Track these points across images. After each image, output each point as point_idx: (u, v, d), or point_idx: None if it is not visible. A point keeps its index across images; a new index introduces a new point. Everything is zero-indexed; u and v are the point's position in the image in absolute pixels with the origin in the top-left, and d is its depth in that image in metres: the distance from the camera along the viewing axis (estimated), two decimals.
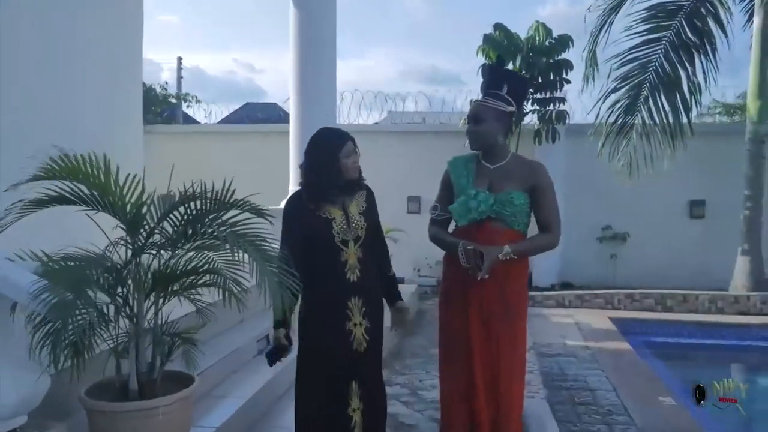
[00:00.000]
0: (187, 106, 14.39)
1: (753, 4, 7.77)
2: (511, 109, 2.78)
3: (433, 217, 2.92)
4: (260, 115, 14.12)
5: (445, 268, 2.92)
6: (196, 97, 14.19)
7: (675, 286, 8.24)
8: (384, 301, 2.79)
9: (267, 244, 2.55)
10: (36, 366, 2.24)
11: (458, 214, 2.76)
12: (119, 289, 2.53)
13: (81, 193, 2.37)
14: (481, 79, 3.00)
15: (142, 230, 2.52)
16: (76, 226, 2.55)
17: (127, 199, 2.43)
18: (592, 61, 8.12)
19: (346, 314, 2.62)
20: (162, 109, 13.10)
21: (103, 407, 2.45)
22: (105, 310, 2.50)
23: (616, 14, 7.95)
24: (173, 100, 14.05)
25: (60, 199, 2.37)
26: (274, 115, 16.16)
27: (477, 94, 3.09)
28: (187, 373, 2.74)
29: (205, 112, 16.03)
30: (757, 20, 7.48)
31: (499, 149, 2.80)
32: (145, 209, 2.49)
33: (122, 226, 2.50)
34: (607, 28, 7.94)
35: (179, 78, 22.84)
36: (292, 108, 7.08)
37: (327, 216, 2.62)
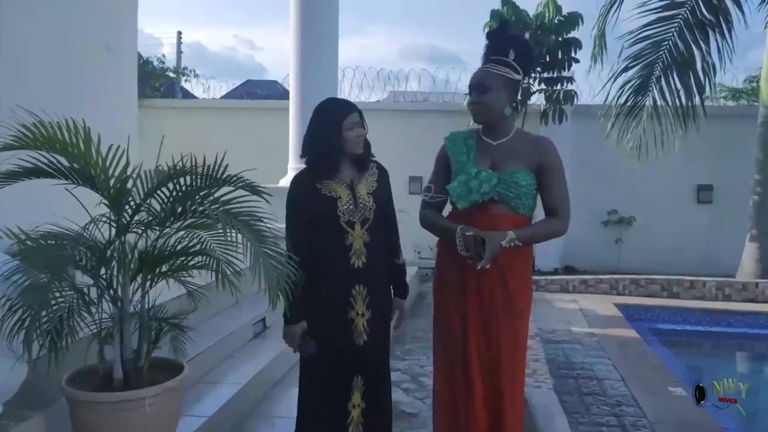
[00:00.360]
0: (185, 80, 14.09)
1: None
2: (518, 77, 2.47)
3: (426, 200, 2.60)
4: (260, 92, 13.84)
5: (439, 256, 2.64)
6: (195, 71, 13.90)
7: (680, 271, 8.10)
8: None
9: (262, 223, 2.38)
10: (10, 353, 2.06)
11: (457, 196, 2.44)
12: (103, 271, 2.34)
13: (60, 165, 2.17)
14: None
15: (127, 207, 2.32)
16: (58, 202, 2.36)
17: (110, 173, 2.23)
18: (600, 40, 7.86)
19: (349, 302, 2.43)
20: (160, 83, 12.81)
21: (85, 397, 2.28)
22: (87, 293, 2.33)
23: None
24: (172, 74, 13.75)
25: (36, 172, 2.17)
26: (274, 92, 15.90)
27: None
28: (173, 360, 2.56)
29: (203, 87, 15.74)
30: None
31: (504, 124, 2.50)
32: (130, 184, 2.29)
33: (105, 202, 2.30)
34: (618, 6, 7.67)
35: (179, 52, 22.52)
36: (292, 84, 6.86)
37: (332, 195, 2.42)
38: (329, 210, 2.40)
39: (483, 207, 2.42)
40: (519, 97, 2.59)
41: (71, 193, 2.24)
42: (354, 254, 2.41)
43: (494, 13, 8.46)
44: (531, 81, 8.51)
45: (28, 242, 2.11)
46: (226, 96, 13.39)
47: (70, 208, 2.25)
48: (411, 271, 7.11)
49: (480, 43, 2.96)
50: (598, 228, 9.26)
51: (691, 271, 8.10)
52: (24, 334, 1.89)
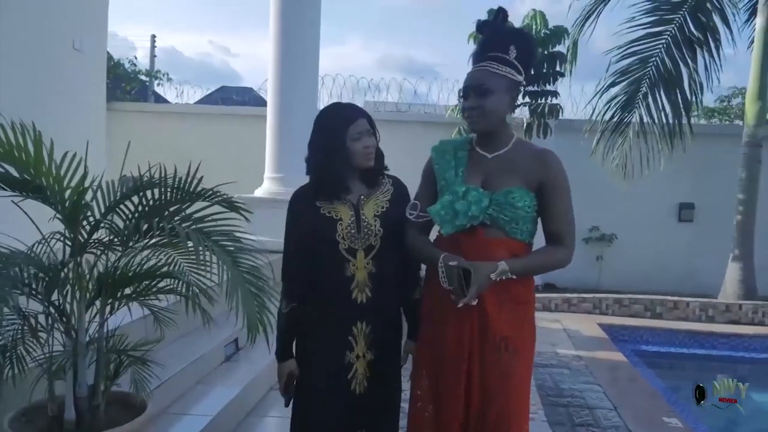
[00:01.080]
0: (158, 84, 13.69)
1: (755, 3, 7.47)
2: (521, 79, 2.10)
3: (411, 219, 2.15)
4: (236, 97, 13.50)
5: (428, 283, 2.20)
6: (168, 74, 13.49)
7: (661, 289, 8.00)
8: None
9: (240, 243, 2.11)
10: None
11: (441, 220, 2.04)
12: (55, 295, 2.05)
13: (5, 174, 1.87)
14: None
15: (84, 223, 2.03)
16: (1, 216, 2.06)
17: (65, 184, 1.93)
18: (573, 49, 7.78)
19: (348, 342, 2.09)
20: (131, 87, 12.39)
21: None
22: (36, 320, 2.03)
23: (606, 4, 7.60)
24: (144, 77, 13.34)
25: None
26: (250, 99, 15.56)
27: (458, 85, 2.46)
28: (135, 395, 2.27)
29: (177, 92, 15.33)
30: (760, 20, 7.17)
31: (502, 133, 2.13)
32: (89, 196, 2.00)
33: (59, 216, 2.01)
34: (595, 18, 7.58)
35: (152, 56, 22.09)
36: (270, 89, 6.58)
37: (332, 215, 2.08)
38: (327, 233, 2.06)
39: (472, 232, 2.03)
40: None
41: (18, 206, 1.93)
42: (356, 287, 2.07)
43: (480, 24, 8.30)
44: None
45: None
46: (200, 102, 13.02)
47: (16, 224, 1.94)
48: None
49: (456, 57, 2.67)
50: (580, 245, 9.07)
51: (672, 289, 7.99)
52: None
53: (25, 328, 1.99)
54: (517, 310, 2.07)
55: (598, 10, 7.67)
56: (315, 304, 2.12)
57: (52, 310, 2.01)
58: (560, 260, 2.12)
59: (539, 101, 8.37)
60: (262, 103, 13.06)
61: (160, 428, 2.89)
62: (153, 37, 22.55)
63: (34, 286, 2.00)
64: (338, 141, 2.06)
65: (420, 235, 2.16)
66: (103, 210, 2.05)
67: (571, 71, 8.10)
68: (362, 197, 2.12)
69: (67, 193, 1.96)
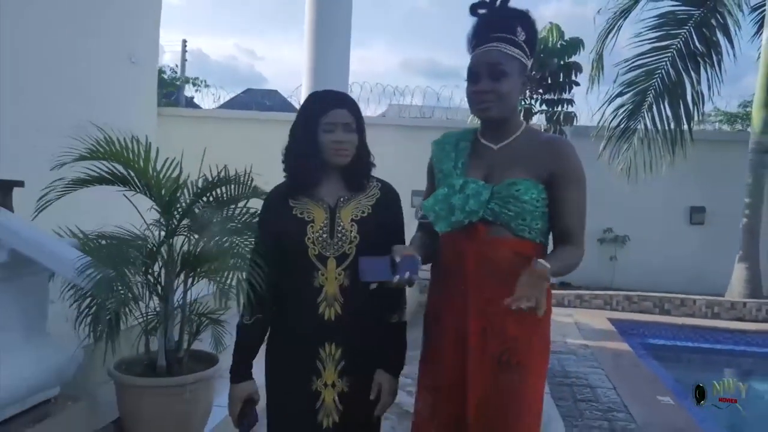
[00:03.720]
0: (196, 90, 14.42)
1: (763, 16, 7.86)
2: (529, 63, 1.90)
3: (419, 220, 1.97)
4: (268, 103, 14.15)
5: (432, 284, 1.96)
6: (205, 81, 14.21)
7: (672, 289, 8.38)
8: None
9: None
10: (61, 342, 2.33)
11: (435, 216, 1.82)
12: (151, 269, 2.61)
13: (121, 174, 2.45)
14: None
15: (175, 213, 2.60)
16: (107, 206, 2.64)
17: (163, 182, 2.51)
18: (598, 63, 8.22)
19: (315, 368, 1.80)
20: (167, 91, 13.12)
21: (133, 381, 2.54)
22: (137, 289, 2.60)
23: (625, 18, 8.05)
24: (181, 83, 14.07)
25: (101, 180, 2.45)
26: (275, 101, 16.22)
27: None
28: (208, 352, 2.82)
29: (213, 97, 16.06)
30: (766, 33, 7.56)
31: (512, 121, 1.88)
32: (179, 192, 2.57)
33: (157, 208, 2.58)
34: (616, 32, 8.04)
35: (183, 61, 22.85)
36: (304, 95, 7.12)
37: (304, 217, 1.81)
38: (295, 236, 1.80)
39: (472, 230, 1.79)
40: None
41: (129, 200, 2.51)
42: (324, 300, 1.78)
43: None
44: (532, 102, 8.85)
45: (89, 242, 2.38)
46: (228, 104, 13.70)
47: (120, 213, 2.52)
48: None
49: None
50: (594, 245, 9.55)
51: (681, 290, 8.38)
52: (91, 320, 2.16)
53: (129, 295, 2.55)
54: (525, 320, 1.71)
55: (618, 24, 8.12)
56: (279, 318, 1.87)
57: (151, 279, 2.57)
58: (577, 261, 1.86)
59: (555, 109, 8.85)
60: (286, 105, 13.68)
61: (224, 387, 3.44)
62: (184, 42, 23.21)
63: (137, 261, 2.56)
64: (309, 131, 1.81)
65: (424, 236, 1.92)
66: (188, 202, 2.61)
67: (599, 80, 8.44)
68: (342, 199, 1.84)
69: (163, 190, 2.53)
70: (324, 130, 1.79)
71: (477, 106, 1.84)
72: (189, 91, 15.11)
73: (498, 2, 1.89)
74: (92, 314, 2.21)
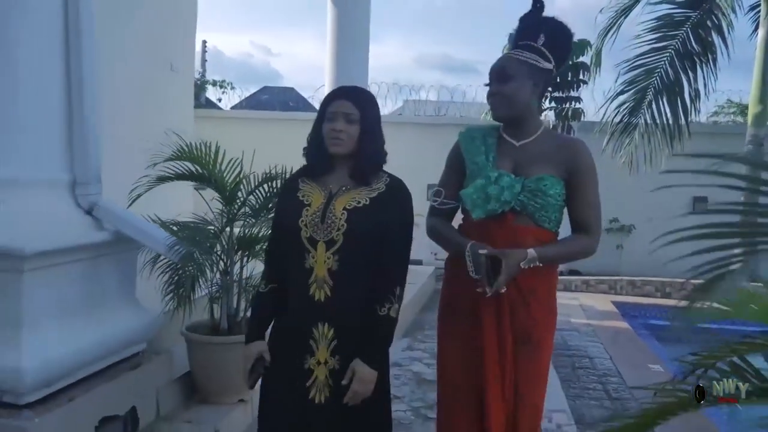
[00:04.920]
0: (223, 92, 15.04)
1: (759, 15, 8.30)
2: (548, 66, 2.08)
3: (435, 206, 2.19)
4: (291, 104, 14.77)
5: (448, 272, 2.21)
6: (231, 84, 14.86)
7: (676, 276, 8.82)
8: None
9: None
10: (155, 305, 2.95)
11: (472, 203, 2.02)
12: (215, 249, 3.22)
13: (198, 173, 3.07)
14: None
15: (235, 203, 3.20)
16: (169, 197, 3.25)
17: (227, 178, 3.11)
18: (596, 60, 8.73)
19: (309, 347, 1.91)
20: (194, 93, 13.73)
21: (202, 339, 3.15)
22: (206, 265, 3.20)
23: (625, 17, 8.52)
24: (210, 85, 14.74)
25: (179, 176, 3.06)
26: (291, 99, 16.76)
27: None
28: None
29: (239, 98, 16.66)
30: (761, 32, 8.01)
31: (530, 120, 2.11)
32: (240, 186, 3.17)
33: (220, 199, 3.18)
34: (615, 31, 8.53)
35: (203, 61, 23.39)
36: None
37: (303, 200, 1.95)
38: (291, 217, 1.94)
39: (502, 218, 2.03)
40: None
41: (199, 193, 3.12)
42: (314, 282, 1.89)
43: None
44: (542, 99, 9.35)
45: (173, 227, 2.99)
46: (245, 102, 14.25)
47: (178, 205, 3.12)
48: (428, 271, 7.72)
49: (496, 54, 2.79)
50: (602, 234, 10.01)
51: (684, 276, 8.79)
52: (177, 287, 2.77)
53: (205, 265, 3.15)
54: (540, 301, 2.09)
55: (618, 23, 8.60)
56: (283, 296, 1.99)
57: (215, 258, 3.18)
58: (586, 249, 2.14)
59: (564, 106, 9.38)
60: (302, 102, 14.22)
61: None
62: (204, 42, 23.71)
63: (206, 243, 3.17)
64: (318, 120, 1.99)
65: (442, 221, 2.19)
66: (245, 194, 3.21)
67: (595, 78, 8.98)
68: (343, 188, 1.96)
69: (227, 184, 3.13)
70: (326, 119, 1.94)
71: (490, 108, 2.15)
72: (216, 93, 15.66)
73: (530, 11, 2.15)
74: (174, 284, 2.81)
